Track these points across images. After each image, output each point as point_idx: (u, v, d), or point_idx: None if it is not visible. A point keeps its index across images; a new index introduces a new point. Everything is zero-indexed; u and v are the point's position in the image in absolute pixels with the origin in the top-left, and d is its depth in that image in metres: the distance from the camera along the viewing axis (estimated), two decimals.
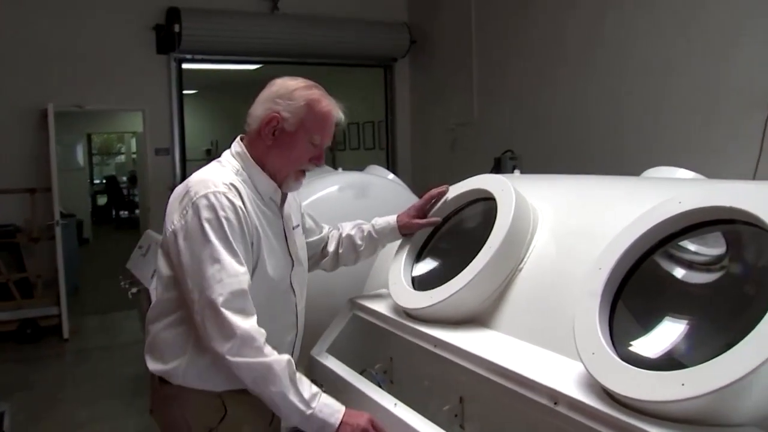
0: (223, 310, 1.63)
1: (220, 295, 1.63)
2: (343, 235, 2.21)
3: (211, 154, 14.56)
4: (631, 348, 1.37)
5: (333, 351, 2.15)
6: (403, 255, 2.18)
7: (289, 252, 1.94)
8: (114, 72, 7.00)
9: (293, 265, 1.94)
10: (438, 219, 2.20)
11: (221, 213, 1.69)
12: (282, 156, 1.86)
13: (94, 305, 7.40)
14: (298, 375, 1.70)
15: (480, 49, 7.26)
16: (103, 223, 15.31)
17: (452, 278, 1.88)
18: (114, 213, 16.32)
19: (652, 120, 5.29)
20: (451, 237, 2.20)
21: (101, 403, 4.65)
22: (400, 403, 1.75)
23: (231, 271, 1.66)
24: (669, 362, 1.30)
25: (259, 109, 1.87)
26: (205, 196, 1.70)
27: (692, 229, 1.47)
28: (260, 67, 9.77)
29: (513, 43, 6.82)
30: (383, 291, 2.25)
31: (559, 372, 1.48)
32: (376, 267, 2.48)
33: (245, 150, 1.88)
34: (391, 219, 2.23)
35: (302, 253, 2.02)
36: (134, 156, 16.43)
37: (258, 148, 1.86)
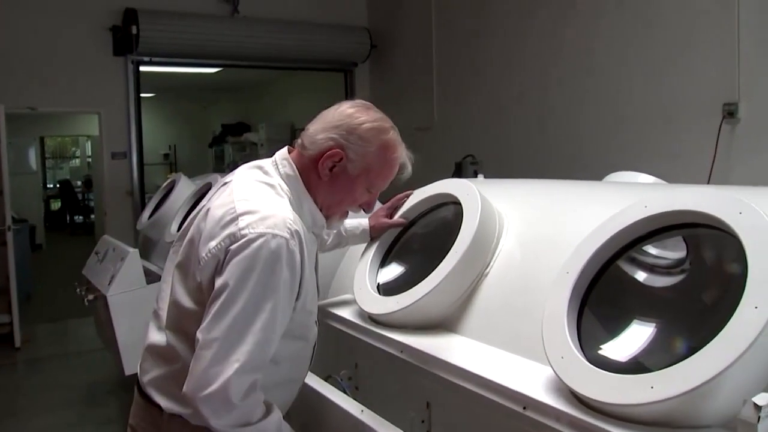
0: (234, 382, 1.37)
1: (237, 361, 1.37)
2: None
3: (169, 158, 14.37)
4: (600, 352, 1.37)
5: None
6: (368, 259, 2.16)
7: (317, 283, 1.74)
8: (69, 74, 6.84)
9: (318, 296, 1.75)
10: (405, 220, 2.20)
11: (278, 270, 1.41)
12: (333, 194, 1.64)
13: (47, 313, 7.20)
14: (285, 427, 1.56)
15: (440, 54, 7.30)
16: (57, 229, 14.93)
17: (418, 283, 1.87)
18: (68, 218, 15.94)
19: (611, 126, 5.37)
20: (416, 241, 2.19)
21: (55, 414, 4.50)
22: (366, 410, 1.73)
23: (262, 338, 1.40)
24: (637, 365, 1.30)
25: (321, 134, 1.60)
26: (264, 239, 1.40)
27: (658, 233, 1.48)
28: (220, 71, 9.70)
29: (473, 48, 6.86)
30: (348, 296, 2.22)
31: (527, 376, 1.47)
32: (340, 272, 2.45)
33: (297, 174, 1.61)
34: (363, 221, 2.22)
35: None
36: (89, 160, 16.09)
37: (309, 176, 1.62)
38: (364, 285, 2.08)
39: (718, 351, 1.15)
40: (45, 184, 16.10)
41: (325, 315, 2.20)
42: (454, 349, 1.71)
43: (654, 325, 1.37)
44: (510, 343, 1.67)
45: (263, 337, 1.40)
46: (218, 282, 1.41)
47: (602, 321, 1.46)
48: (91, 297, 3.93)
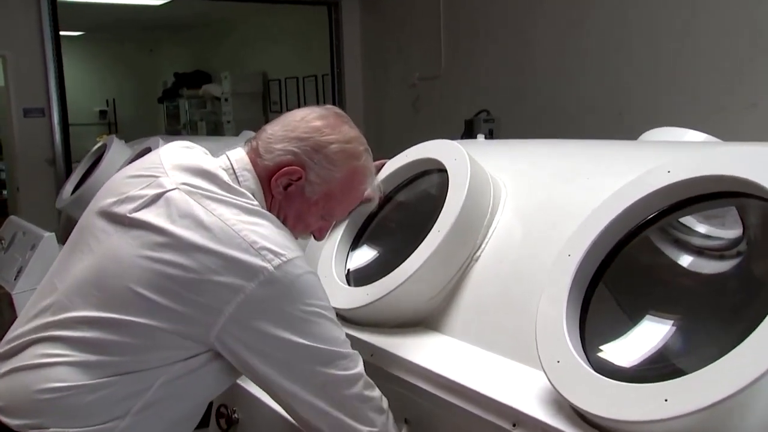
0: (364, 404, 1.64)
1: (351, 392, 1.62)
2: None
3: (107, 117, 14.30)
4: (605, 355, 1.39)
5: None
6: (336, 243, 2.17)
7: None
8: None
9: None
10: (372, 195, 2.20)
11: (321, 292, 1.61)
12: (285, 216, 1.71)
13: None
14: None
15: None
16: None
17: (393, 270, 1.88)
18: None
19: (662, 71, 5.34)
20: (393, 219, 2.21)
21: None
22: None
23: (331, 351, 1.60)
24: (651, 372, 1.31)
25: (280, 144, 1.68)
26: (293, 264, 1.53)
27: (685, 205, 1.48)
28: (168, 2, 9.61)
29: None
30: None
31: (520, 386, 1.49)
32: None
33: (262, 193, 1.69)
34: None
35: None
36: None
37: (264, 191, 1.71)
38: (329, 273, 2.09)
39: (751, 354, 1.13)
40: None
41: None
42: (435, 353, 1.73)
43: (674, 322, 1.38)
44: (505, 344, 1.69)
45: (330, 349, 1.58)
46: (280, 334, 1.53)
47: (611, 316, 1.47)
48: None
